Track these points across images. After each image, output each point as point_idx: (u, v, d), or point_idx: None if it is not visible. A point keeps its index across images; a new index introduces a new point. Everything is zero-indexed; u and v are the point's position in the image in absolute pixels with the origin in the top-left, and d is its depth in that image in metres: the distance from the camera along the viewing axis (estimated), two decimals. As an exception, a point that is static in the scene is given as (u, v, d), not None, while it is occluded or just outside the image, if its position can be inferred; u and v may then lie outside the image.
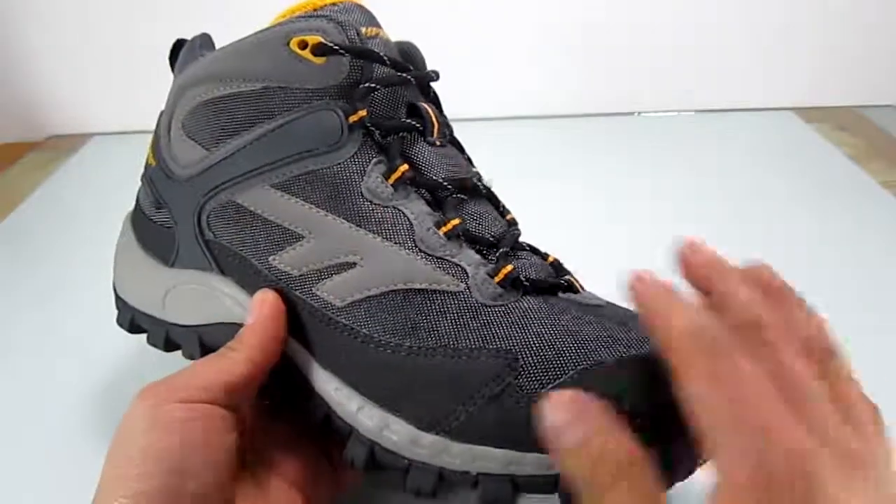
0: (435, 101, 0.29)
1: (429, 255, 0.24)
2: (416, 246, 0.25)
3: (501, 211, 0.28)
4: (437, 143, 0.27)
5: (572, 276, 0.27)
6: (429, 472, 0.23)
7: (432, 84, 0.29)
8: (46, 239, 0.54)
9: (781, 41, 0.72)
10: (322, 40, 0.25)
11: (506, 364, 0.23)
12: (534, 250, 0.27)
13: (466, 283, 0.24)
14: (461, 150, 0.29)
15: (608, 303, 0.26)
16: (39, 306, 0.45)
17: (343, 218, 0.25)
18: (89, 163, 0.67)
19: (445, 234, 0.25)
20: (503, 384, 0.22)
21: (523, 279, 0.24)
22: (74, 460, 0.32)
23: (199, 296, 0.29)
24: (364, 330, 0.24)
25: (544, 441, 0.20)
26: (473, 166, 0.29)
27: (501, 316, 0.24)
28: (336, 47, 0.25)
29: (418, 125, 0.27)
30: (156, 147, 0.31)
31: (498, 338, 0.23)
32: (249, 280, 0.27)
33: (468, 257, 0.25)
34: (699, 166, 0.62)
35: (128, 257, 0.33)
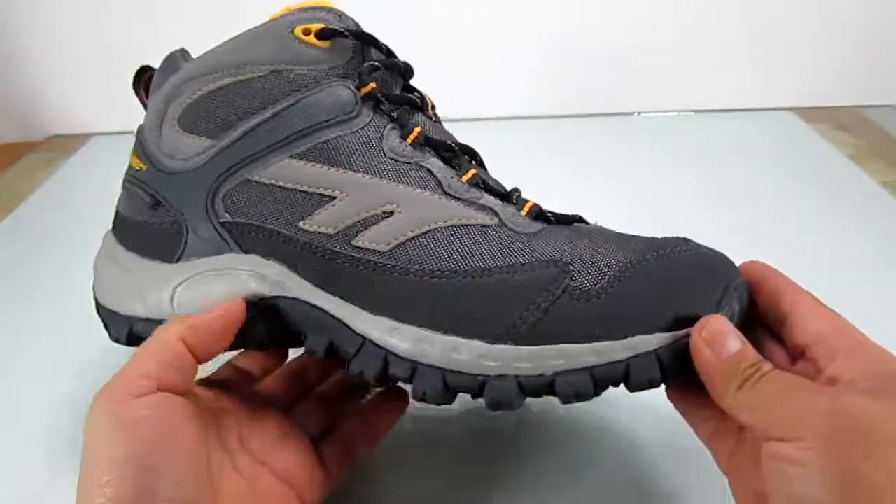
0: (409, 90, 0.31)
1: (458, 198, 0.27)
2: (445, 192, 0.27)
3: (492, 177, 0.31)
4: (432, 116, 0.30)
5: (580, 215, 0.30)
6: (509, 381, 0.25)
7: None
8: (46, 239, 0.54)
9: (781, 41, 0.72)
10: (326, 25, 0.28)
11: (560, 270, 0.25)
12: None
13: (499, 218, 0.27)
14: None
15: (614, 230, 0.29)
16: (39, 306, 0.45)
17: (372, 174, 0.27)
18: (89, 163, 0.67)
19: (467, 181, 0.28)
20: (563, 285, 0.25)
21: (546, 212, 0.28)
22: (64, 462, 0.32)
23: (211, 280, 0.30)
24: (414, 267, 0.26)
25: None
26: None
27: (541, 237, 0.27)
28: (341, 30, 0.28)
29: (418, 100, 0.30)
30: (143, 150, 0.31)
31: (547, 252, 0.26)
32: (279, 250, 0.29)
33: (490, 200, 0.28)
34: (699, 166, 0.62)
35: (119, 269, 0.33)
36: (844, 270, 0.46)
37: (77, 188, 0.62)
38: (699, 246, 0.27)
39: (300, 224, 0.28)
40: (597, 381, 0.24)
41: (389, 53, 0.30)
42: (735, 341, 0.23)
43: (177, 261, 0.31)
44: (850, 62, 0.73)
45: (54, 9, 0.67)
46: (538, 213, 0.28)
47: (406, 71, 0.30)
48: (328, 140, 0.28)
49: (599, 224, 0.30)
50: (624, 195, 0.57)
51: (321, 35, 0.28)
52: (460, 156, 0.29)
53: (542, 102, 0.73)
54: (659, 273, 0.25)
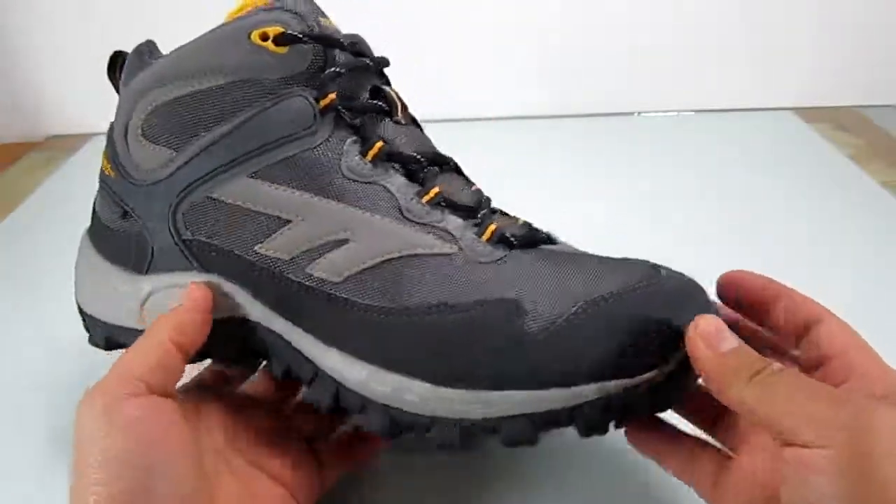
0: (389, 86, 0.30)
1: (416, 222, 0.26)
2: (402, 216, 0.26)
3: (468, 182, 0.29)
4: (402, 122, 0.28)
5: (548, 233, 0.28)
6: (451, 425, 0.24)
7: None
8: (46, 239, 0.54)
9: (781, 41, 0.72)
10: (283, 30, 0.26)
11: (510, 311, 0.24)
12: (505, 214, 0.28)
13: (458, 245, 0.25)
14: (420, 129, 0.30)
15: (583, 251, 0.27)
16: (39, 306, 0.45)
17: (329, 198, 0.26)
18: (89, 163, 0.66)
19: (428, 202, 0.26)
20: (511, 328, 0.23)
21: (509, 235, 0.26)
22: (67, 461, 0.32)
23: (177, 295, 0.29)
24: (366, 301, 0.25)
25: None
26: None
27: (497, 269, 0.25)
28: (299, 35, 0.26)
29: (384, 106, 0.28)
30: (112, 157, 0.30)
31: (500, 288, 0.24)
32: (237, 272, 0.28)
33: (453, 222, 0.26)
34: (699, 166, 0.62)
35: (94, 274, 0.32)
36: (844, 270, 0.46)
37: (77, 188, 0.62)
38: (668, 277, 0.25)
39: (256, 247, 0.27)
40: (540, 428, 0.23)
41: (358, 52, 0.27)
42: (731, 339, 0.22)
43: (146, 272, 0.30)
44: (850, 62, 0.73)
45: (54, 9, 0.67)
46: (500, 238, 0.26)
47: (379, 66, 0.28)
48: (285, 158, 0.26)
49: (566, 242, 0.28)
50: (624, 195, 0.57)
51: (278, 41, 0.26)
52: (427, 168, 0.27)
53: (542, 102, 0.73)
54: (613, 316, 0.23)
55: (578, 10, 0.69)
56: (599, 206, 0.55)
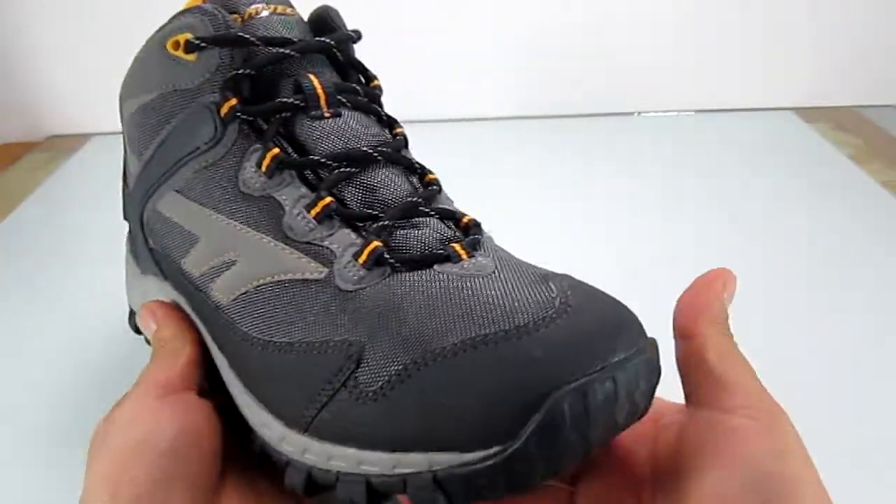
0: (354, 66, 0.28)
1: (296, 241, 0.23)
2: (284, 234, 0.23)
3: (419, 172, 0.26)
4: (326, 115, 0.25)
5: (482, 237, 0.24)
6: (300, 470, 0.22)
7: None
8: (46, 239, 0.54)
9: (781, 41, 0.72)
10: (189, 37, 0.25)
11: (348, 357, 0.21)
12: (444, 214, 0.25)
13: (331, 269, 0.23)
14: (373, 112, 0.27)
15: (498, 268, 0.22)
16: (39, 306, 0.45)
17: (223, 214, 0.25)
18: (89, 163, 0.67)
19: (316, 216, 0.23)
20: (344, 378, 0.21)
21: (388, 256, 0.22)
22: (69, 460, 0.32)
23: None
24: (243, 327, 0.24)
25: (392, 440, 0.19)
26: (392, 130, 0.27)
27: (355, 303, 0.22)
28: (200, 42, 0.24)
29: (297, 101, 0.25)
30: (124, 164, 0.32)
31: (345, 329, 0.21)
32: (179, 284, 0.28)
33: (341, 238, 0.23)
34: (699, 166, 0.62)
35: (126, 267, 0.35)
36: (844, 270, 0.46)
37: (77, 188, 0.62)
38: (576, 313, 0.20)
39: (181, 262, 0.27)
40: (374, 491, 0.20)
41: (274, 42, 0.25)
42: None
43: (143, 273, 0.31)
44: (850, 62, 0.73)
45: (54, 9, 0.67)
46: (377, 259, 0.22)
47: (317, 51, 0.26)
48: (196, 172, 0.25)
49: (491, 238, 0.25)
50: (624, 195, 0.57)
51: (187, 48, 0.25)
52: (337, 172, 0.24)
53: (541, 102, 0.73)
54: (452, 374, 0.19)
55: (578, 10, 0.69)
56: (599, 206, 0.55)
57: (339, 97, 0.25)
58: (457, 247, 0.23)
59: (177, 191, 0.26)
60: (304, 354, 0.22)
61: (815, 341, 0.39)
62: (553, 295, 0.20)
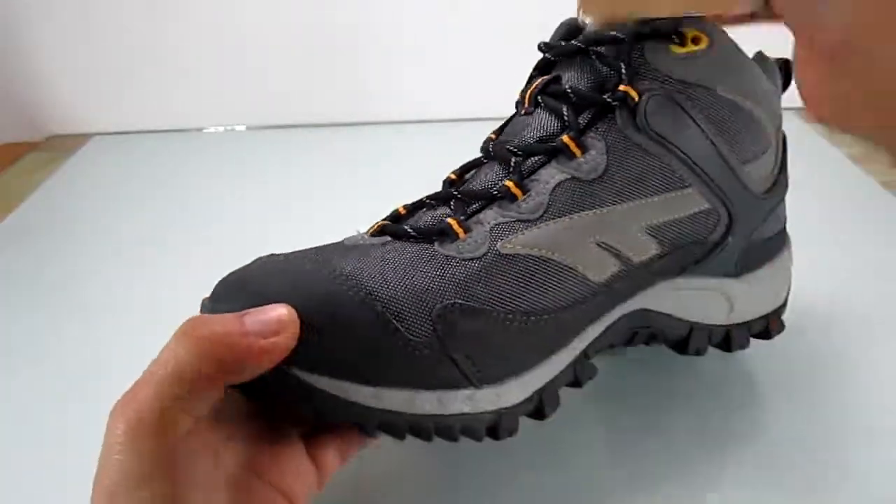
0: None
1: None
2: None
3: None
4: None
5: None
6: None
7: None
8: (46, 239, 0.54)
9: (781, 41, 0.72)
10: None
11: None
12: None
13: None
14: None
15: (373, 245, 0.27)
16: (39, 306, 0.45)
17: None
18: (89, 163, 0.67)
19: None
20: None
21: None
22: (71, 460, 0.32)
23: None
24: None
25: None
26: None
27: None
28: None
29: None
30: None
31: None
32: None
33: None
34: (699, 166, 0.62)
35: None
36: (844, 270, 0.46)
37: (77, 188, 0.62)
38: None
39: None
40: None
41: None
42: None
43: None
44: (850, 62, 0.73)
45: (54, 9, 0.67)
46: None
47: None
48: None
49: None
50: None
51: None
52: None
53: (542, 102, 0.73)
54: None
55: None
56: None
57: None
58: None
59: None
60: None
61: (815, 341, 0.39)
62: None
